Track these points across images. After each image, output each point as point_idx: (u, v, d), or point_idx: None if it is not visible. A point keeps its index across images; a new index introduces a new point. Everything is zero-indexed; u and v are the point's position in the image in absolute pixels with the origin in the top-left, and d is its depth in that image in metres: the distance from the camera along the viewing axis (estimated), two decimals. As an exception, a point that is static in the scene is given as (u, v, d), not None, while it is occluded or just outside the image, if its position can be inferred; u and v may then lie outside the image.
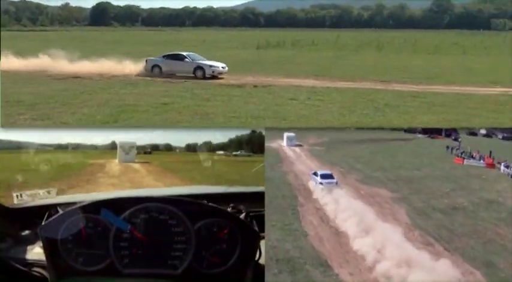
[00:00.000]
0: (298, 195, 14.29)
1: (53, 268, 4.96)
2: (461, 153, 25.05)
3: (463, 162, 23.25)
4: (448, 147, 27.23)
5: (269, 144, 24.31)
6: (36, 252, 5.23)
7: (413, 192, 15.27)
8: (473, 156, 24.49)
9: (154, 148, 16.42)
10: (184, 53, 24.22)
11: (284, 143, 24.31)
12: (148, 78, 22.04)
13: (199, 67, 23.27)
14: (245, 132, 11.81)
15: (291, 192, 14.68)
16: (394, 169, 19.65)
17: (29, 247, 5.32)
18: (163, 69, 23.46)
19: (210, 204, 5.34)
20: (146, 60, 24.00)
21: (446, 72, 25.02)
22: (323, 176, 14.94)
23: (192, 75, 22.68)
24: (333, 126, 13.97)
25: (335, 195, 13.21)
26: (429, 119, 15.01)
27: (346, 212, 11.37)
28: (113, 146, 16.37)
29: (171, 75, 22.97)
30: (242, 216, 5.59)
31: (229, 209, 5.67)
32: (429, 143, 32.68)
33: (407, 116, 15.16)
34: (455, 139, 35.16)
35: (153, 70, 23.48)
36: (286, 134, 24.29)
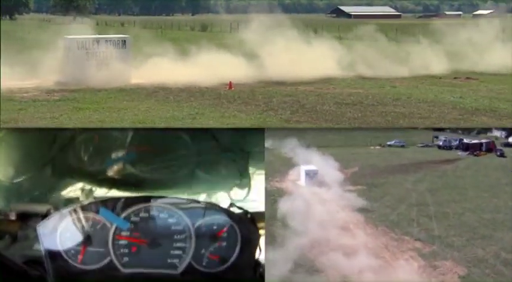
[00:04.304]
0: None
1: (52, 267, 4.98)
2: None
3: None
4: (517, 173, 20.41)
5: (280, 184, 16.81)
6: (35, 250, 5.21)
7: None
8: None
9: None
10: None
11: (302, 181, 16.54)
12: None
13: None
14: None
15: None
16: (487, 230, 12.28)
17: (27, 246, 5.29)
18: None
19: (209, 203, 5.39)
20: None
21: None
22: None
23: None
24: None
25: None
26: None
27: None
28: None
29: None
30: (242, 214, 5.40)
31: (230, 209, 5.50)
32: (480, 165, 25.87)
33: None
34: (501, 155, 29.44)
35: None
36: (304, 168, 16.55)
